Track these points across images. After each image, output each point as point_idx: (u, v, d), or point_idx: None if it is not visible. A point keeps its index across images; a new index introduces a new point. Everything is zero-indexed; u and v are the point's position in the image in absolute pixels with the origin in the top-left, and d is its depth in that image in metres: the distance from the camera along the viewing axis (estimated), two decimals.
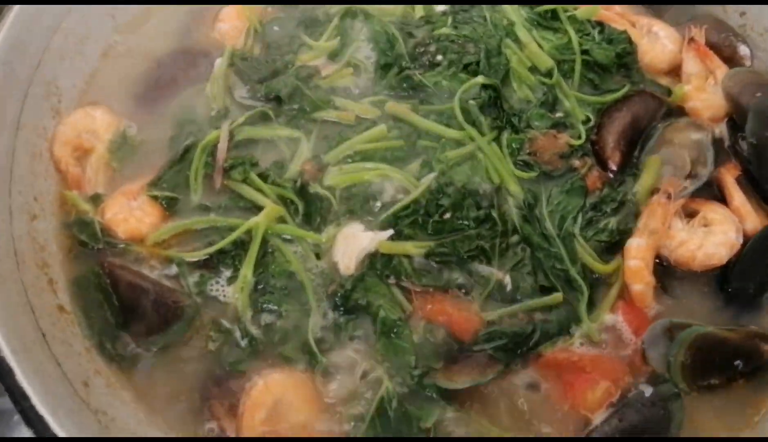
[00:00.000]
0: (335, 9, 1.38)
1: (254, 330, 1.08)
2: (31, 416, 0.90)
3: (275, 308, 1.10)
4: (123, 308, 1.09)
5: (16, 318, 0.98)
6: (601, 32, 1.35)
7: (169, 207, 1.18)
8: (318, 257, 1.13)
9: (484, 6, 1.37)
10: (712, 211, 1.17)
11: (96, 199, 1.19)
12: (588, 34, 1.35)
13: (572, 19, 1.35)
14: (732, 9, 1.38)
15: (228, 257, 1.13)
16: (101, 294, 1.10)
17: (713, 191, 1.22)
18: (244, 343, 1.08)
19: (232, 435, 1.02)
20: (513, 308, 1.10)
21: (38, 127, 1.21)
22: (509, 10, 1.35)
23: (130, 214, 1.18)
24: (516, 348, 1.07)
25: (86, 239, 1.15)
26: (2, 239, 1.05)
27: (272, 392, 1.03)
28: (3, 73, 1.15)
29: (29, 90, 1.21)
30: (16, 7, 1.19)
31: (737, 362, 1.05)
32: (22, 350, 0.94)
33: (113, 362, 1.07)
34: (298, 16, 1.37)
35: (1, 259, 1.03)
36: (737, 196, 1.19)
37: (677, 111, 1.30)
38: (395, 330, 1.07)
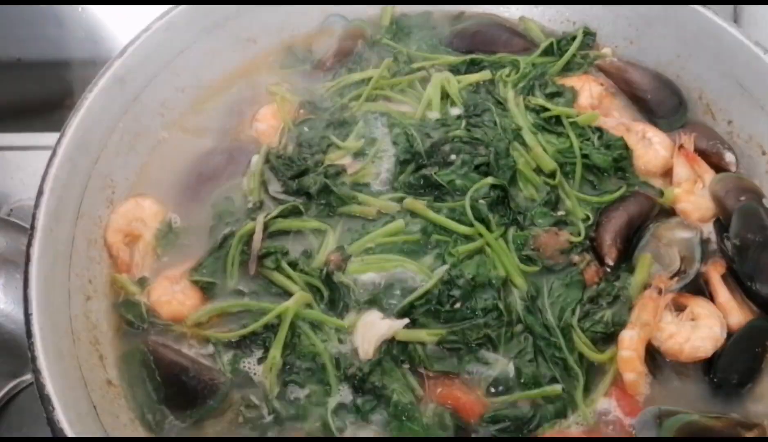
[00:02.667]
0: (361, 111, 1.47)
1: (280, 407, 1.16)
2: None
3: (300, 387, 1.18)
4: (164, 383, 1.18)
5: (72, 392, 1.08)
6: (600, 138, 1.44)
7: (208, 291, 1.27)
8: (340, 341, 1.21)
9: (494, 111, 1.45)
10: (698, 306, 1.25)
11: (143, 282, 1.28)
12: (588, 139, 1.43)
13: (574, 124, 1.44)
14: (720, 117, 1.48)
15: (259, 339, 1.21)
16: (145, 370, 1.19)
17: (700, 287, 1.28)
18: (269, 418, 1.16)
19: None
20: (516, 395, 1.17)
21: (94, 216, 1.31)
22: (517, 115, 1.45)
23: (173, 297, 1.26)
24: (517, 431, 1.14)
25: (133, 319, 1.25)
26: (62, 318, 1.15)
27: None
28: (67, 169, 1.25)
29: (88, 183, 1.31)
30: (82, 111, 1.30)
31: None
32: (77, 422, 1.04)
33: (152, 433, 1.15)
34: (327, 118, 1.46)
35: (60, 336, 1.13)
36: (722, 292, 1.26)
37: (668, 211, 1.37)
38: (406, 414, 1.15)
